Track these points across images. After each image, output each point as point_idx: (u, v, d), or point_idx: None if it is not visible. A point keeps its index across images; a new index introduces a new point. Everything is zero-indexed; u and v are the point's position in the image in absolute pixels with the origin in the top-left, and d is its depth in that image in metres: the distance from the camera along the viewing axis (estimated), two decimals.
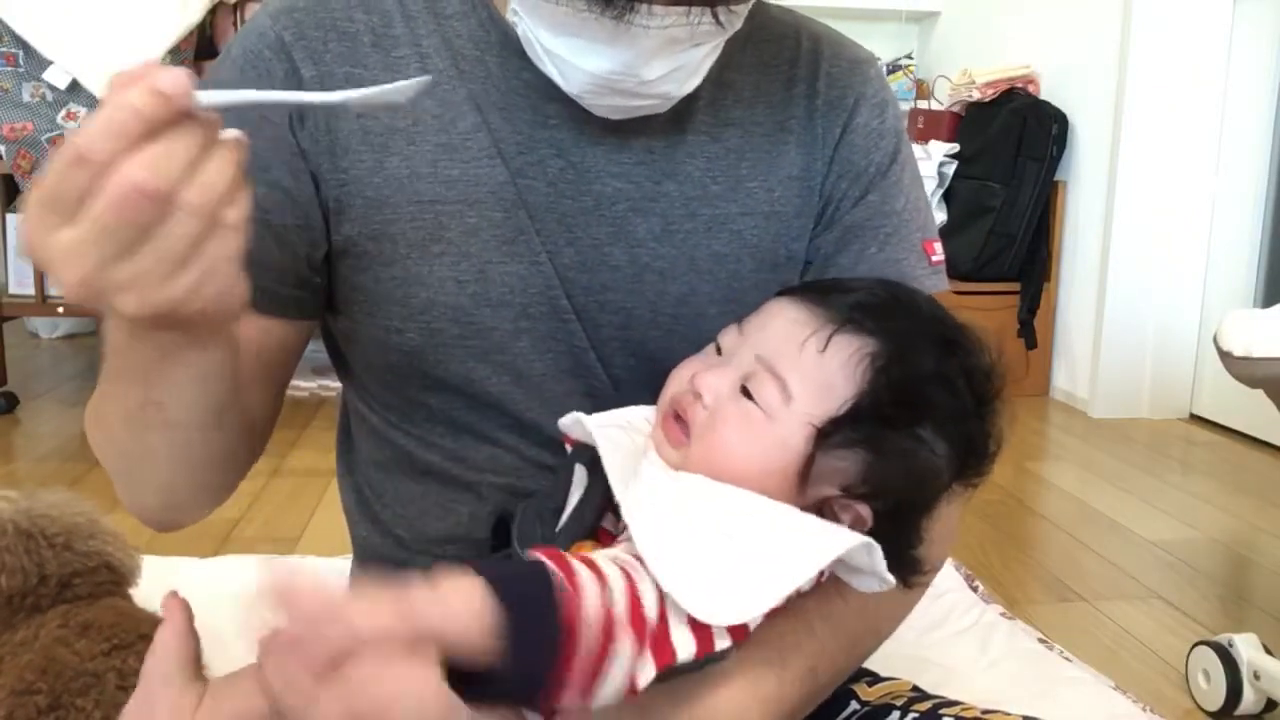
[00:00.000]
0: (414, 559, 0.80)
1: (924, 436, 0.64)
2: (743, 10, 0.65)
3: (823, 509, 0.65)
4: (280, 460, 2.39)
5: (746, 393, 0.65)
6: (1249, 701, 1.39)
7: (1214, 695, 1.42)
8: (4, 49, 2.38)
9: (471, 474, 0.78)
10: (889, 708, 0.71)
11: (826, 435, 0.63)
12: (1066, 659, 1.39)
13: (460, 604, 0.51)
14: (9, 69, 2.38)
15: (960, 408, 0.66)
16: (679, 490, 0.64)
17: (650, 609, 0.56)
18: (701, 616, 0.56)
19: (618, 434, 0.68)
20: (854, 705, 0.74)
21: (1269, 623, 1.74)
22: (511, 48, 0.71)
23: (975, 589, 1.62)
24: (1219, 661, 1.42)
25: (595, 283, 0.74)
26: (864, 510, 0.65)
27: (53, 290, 2.64)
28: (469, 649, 0.51)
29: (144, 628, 0.88)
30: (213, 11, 2.58)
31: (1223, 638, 1.44)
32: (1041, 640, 1.45)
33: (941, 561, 0.78)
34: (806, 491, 0.65)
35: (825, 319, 0.66)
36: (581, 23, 0.62)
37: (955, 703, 0.70)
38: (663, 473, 0.66)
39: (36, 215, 0.48)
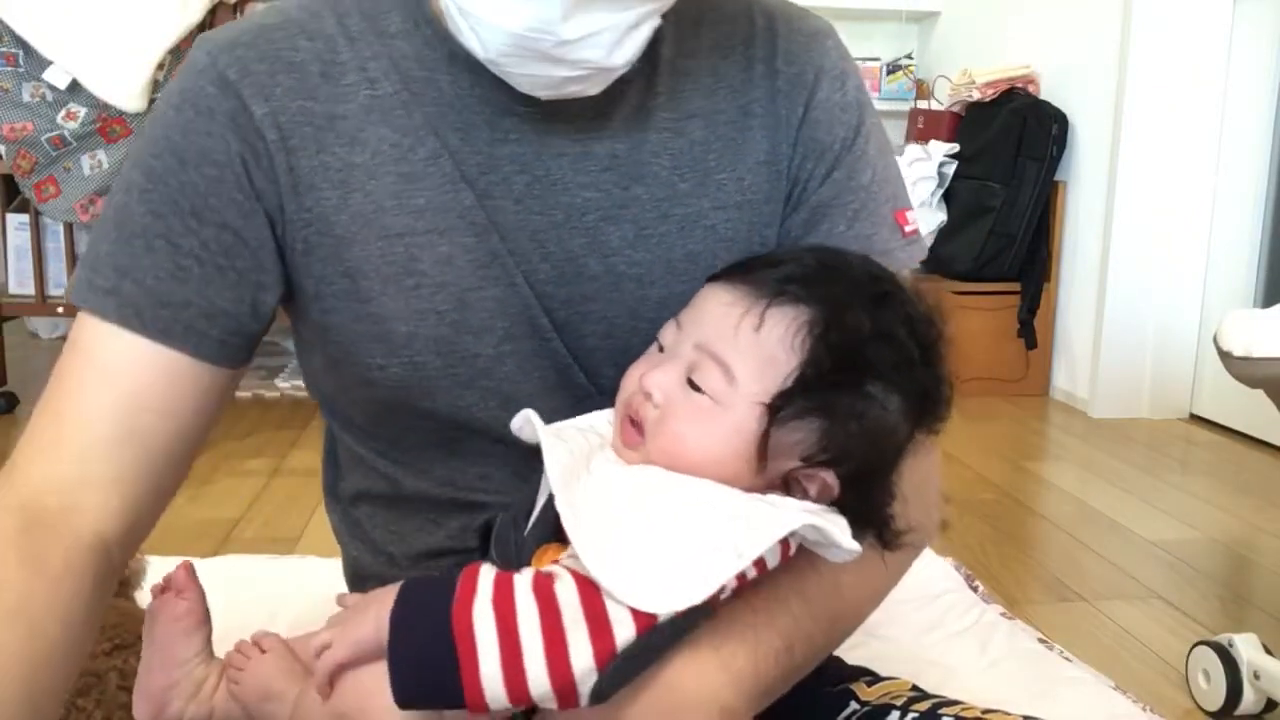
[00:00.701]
0: (406, 574, 0.80)
1: (874, 394, 0.64)
2: None
3: (787, 482, 0.65)
4: (280, 460, 2.39)
5: (693, 384, 0.65)
6: (1249, 701, 1.39)
7: (1214, 695, 1.42)
8: (4, 49, 2.38)
9: (464, 494, 0.77)
10: (888, 708, 0.71)
11: (777, 411, 0.63)
12: (1066, 659, 1.40)
13: (371, 622, 0.61)
14: (9, 69, 2.38)
15: (905, 358, 0.65)
16: (626, 482, 0.64)
17: (569, 606, 0.57)
18: (639, 605, 0.57)
19: (571, 433, 0.68)
20: (853, 705, 0.74)
21: (1269, 623, 1.73)
22: (461, 63, 0.69)
23: (975, 589, 1.62)
24: (1219, 661, 1.41)
25: (575, 295, 0.73)
26: (828, 477, 0.65)
27: (53, 290, 2.64)
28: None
29: (141, 626, 0.88)
30: (212, 11, 2.58)
31: (1223, 638, 1.44)
32: (1041, 640, 1.45)
33: (927, 526, 0.76)
34: (768, 469, 0.64)
35: (756, 296, 0.66)
36: None
37: (955, 702, 0.70)
38: (614, 466, 0.66)
39: None
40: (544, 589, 0.58)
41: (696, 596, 0.58)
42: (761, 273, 0.67)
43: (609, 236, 0.72)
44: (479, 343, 0.72)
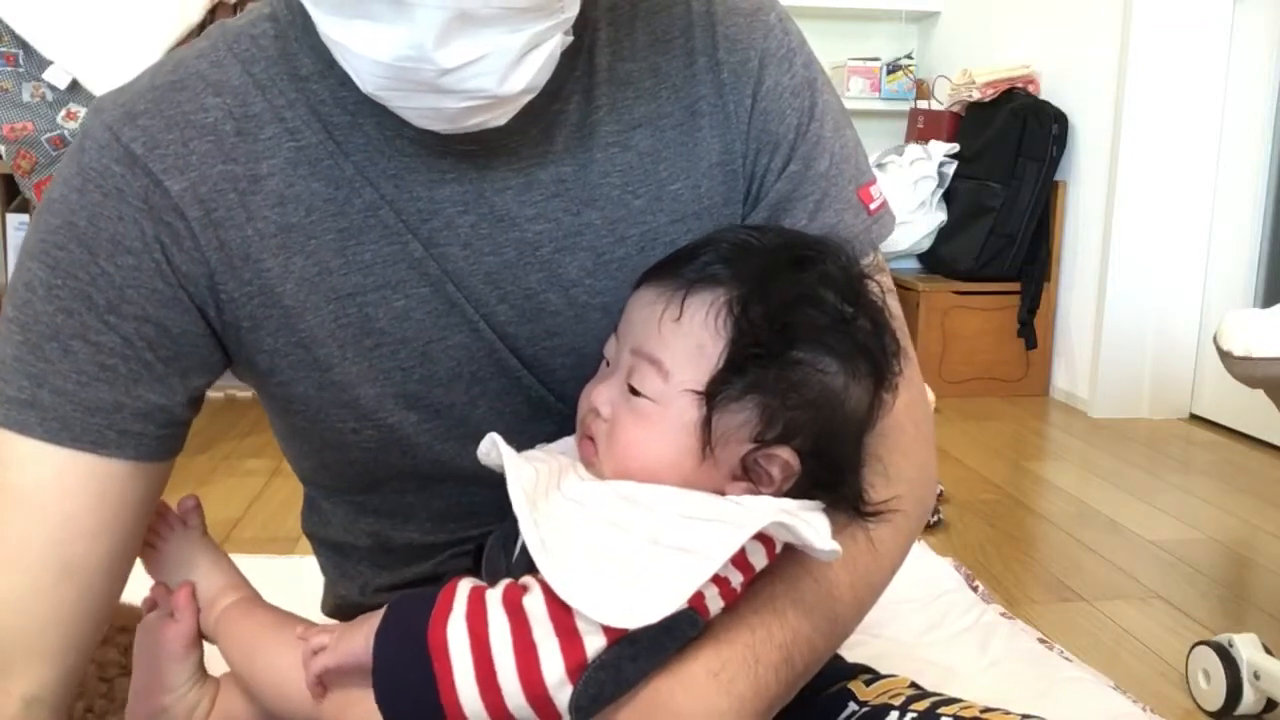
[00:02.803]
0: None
1: (802, 359, 0.63)
2: None
3: (748, 467, 0.64)
4: (280, 460, 2.38)
5: (634, 390, 0.64)
6: (1249, 701, 1.39)
7: (1214, 695, 1.42)
8: (4, 49, 2.38)
9: (453, 534, 0.76)
10: (887, 708, 0.70)
11: (713, 395, 0.62)
12: (1066, 659, 1.40)
13: (362, 637, 0.61)
14: (9, 69, 2.38)
15: (834, 317, 0.64)
16: (594, 496, 0.63)
17: (537, 618, 0.57)
18: (608, 622, 0.56)
19: (541, 455, 0.67)
20: (852, 706, 0.73)
21: (1269, 623, 1.73)
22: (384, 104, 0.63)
23: (975, 589, 1.62)
24: (1219, 661, 1.41)
25: (539, 331, 0.70)
26: (786, 454, 0.63)
27: None
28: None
29: (120, 620, 0.89)
30: (212, 11, 2.57)
31: (1223, 638, 1.44)
32: (1041, 640, 1.45)
33: (915, 501, 0.74)
34: (724, 457, 0.63)
35: (675, 287, 0.65)
36: (359, 1, 0.55)
37: (954, 700, 0.70)
38: (584, 483, 0.65)
39: None
40: (513, 601, 0.58)
41: (668, 607, 0.56)
42: (681, 264, 0.66)
43: (566, 268, 0.69)
44: (450, 393, 0.69)
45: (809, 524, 0.61)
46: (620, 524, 0.60)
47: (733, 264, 0.64)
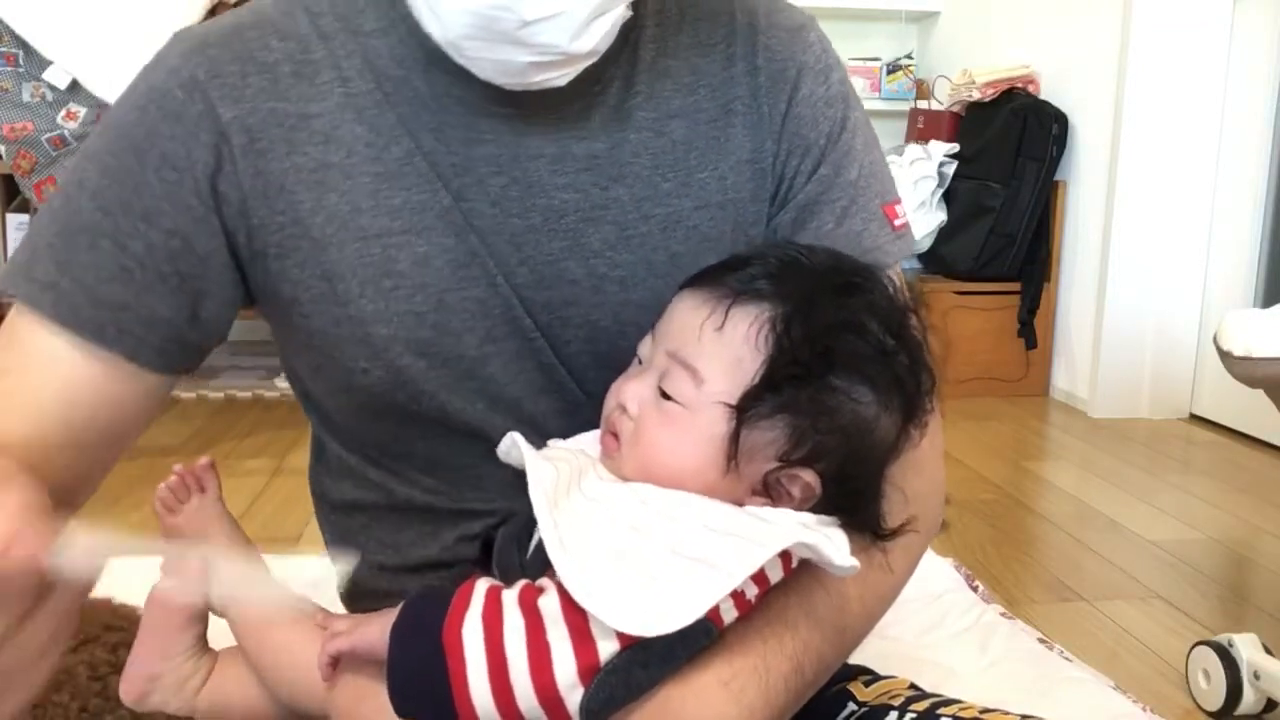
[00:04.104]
0: (404, 585, 0.78)
1: (839, 385, 0.63)
2: None
3: (769, 484, 0.64)
4: (280, 460, 2.39)
5: (664, 393, 0.64)
6: (1249, 701, 1.39)
7: (1214, 695, 1.42)
8: (4, 49, 2.38)
9: (457, 503, 0.77)
10: (886, 708, 0.70)
11: (745, 410, 0.62)
12: (1066, 659, 1.39)
13: (378, 629, 0.62)
14: (9, 69, 2.38)
15: (875, 347, 0.64)
16: (615, 500, 0.63)
17: (552, 618, 0.57)
18: (624, 629, 0.56)
19: (561, 453, 0.67)
20: (851, 706, 0.73)
21: (1269, 623, 1.73)
22: (438, 64, 0.68)
23: (975, 589, 1.62)
24: (1219, 661, 1.41)
25: (555, 299, 0.71)
26: (808, 476, 0.63)
27: None
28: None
29: (104, 617, 0.90)
30: (212, 10, 2.57)
31: (1223, 638, 1.44)
32: (1041, 640, 1.45)
33: (930, 520, 0.75)
34: (747, 471, 0.63)
35: (721, 296, 0.65)
36: None
37: (953, 701, 0.70)
38: (605, 484, 0.65)
39: None
40: (529, 602, 0.58)
41: (685, 618, 0.56)
42: (730, 273, 0.66)
43: (589, 238, 0.71)
44: (461, 344, 0.71)
45: (830, 540, 0.61)
46: (641, 529, 0.60)
47: (780, 280, 0.65)
